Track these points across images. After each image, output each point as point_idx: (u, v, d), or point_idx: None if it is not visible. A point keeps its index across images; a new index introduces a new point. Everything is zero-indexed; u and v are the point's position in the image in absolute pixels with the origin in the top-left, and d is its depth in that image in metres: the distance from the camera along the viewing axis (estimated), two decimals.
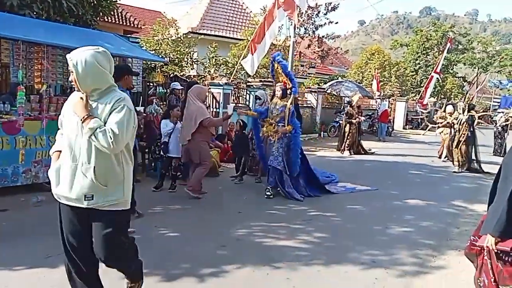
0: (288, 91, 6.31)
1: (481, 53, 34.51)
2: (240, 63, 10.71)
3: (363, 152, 11.87)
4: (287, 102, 6.25)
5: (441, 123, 10.69)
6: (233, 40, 17.30)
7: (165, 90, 7.74)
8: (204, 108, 6.11)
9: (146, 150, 7.30)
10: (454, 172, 9.32)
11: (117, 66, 4.80)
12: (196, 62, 12.56)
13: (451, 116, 10.33)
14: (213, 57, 12.23)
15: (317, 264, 3.76)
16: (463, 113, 9.38)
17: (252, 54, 10.61)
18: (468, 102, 10.68)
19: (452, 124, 10.06)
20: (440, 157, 11.22)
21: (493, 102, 34.18)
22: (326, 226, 4.90)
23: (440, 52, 30.13)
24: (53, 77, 6.07)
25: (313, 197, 6.29)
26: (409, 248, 4.30)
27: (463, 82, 36.43)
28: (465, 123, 9.33)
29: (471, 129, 9.34)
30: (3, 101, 5.73)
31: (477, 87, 38.46)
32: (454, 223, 5.39)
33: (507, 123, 12.76)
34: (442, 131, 10.98)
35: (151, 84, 8.30)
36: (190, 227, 4.62)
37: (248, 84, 12.39)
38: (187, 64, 12.15)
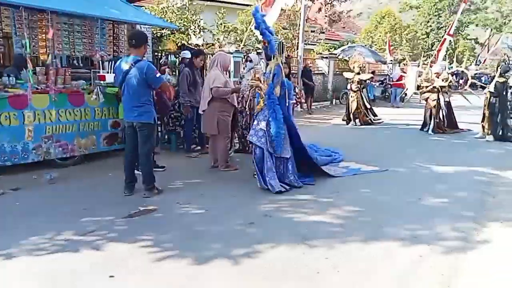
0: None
1: (494, 13, 33.25)
2: (250, 28, 10.21)
3: (370, 122, 10.84)
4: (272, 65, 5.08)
5: (426, 87, 9.66)
6: (241, 6, 16.57)
7: (177, 59, 7.34)
8: (220, 75, 5.72)
9: (159, 123, 6.99)
10: (479, 138, 8.93)
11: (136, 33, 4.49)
12: (203, 30, 12.01)
13: (438, 77, 9.56)
14: (221, 24, 11.67)
15: (354, 241, 3.51)
16: (499, 76, 8.72)
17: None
18: (505, 62, 9.69)
19: (440, 88, 9.40)
20: (423, 128, 9.79)
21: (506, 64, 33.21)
22: (356, 199, 4.62)
23: (453, 13, 29.04)
24: (59, 47, 5.71)
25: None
26: (449, 221, 4.03)
27: (474, 44, 35.39)
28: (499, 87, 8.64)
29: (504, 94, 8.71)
30: (8, 74, 5.40)
31: (488, 50, 37.38)
32: (489, 192, 5.09)
33: None
34: (428, 97, 9.66)
35: (159, 53, 7.86)
36: (214, 203, 4.37)
37: (258, 51, 11.87)
38: (194, 32, 11.62)
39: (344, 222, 3.94)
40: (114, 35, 6.43)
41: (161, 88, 4.70)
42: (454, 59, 11.90)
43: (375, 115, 11.21)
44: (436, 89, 9.45)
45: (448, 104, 9.73)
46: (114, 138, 6.20)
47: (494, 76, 9.61)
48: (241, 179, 5.24)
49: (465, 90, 10.56)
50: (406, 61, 22.08)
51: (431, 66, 20.75)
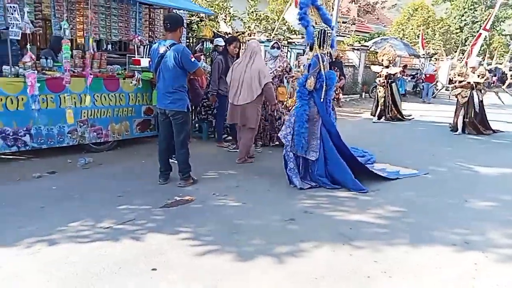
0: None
1: None
2: (283, 17, 9.98)
3: (400, 117, 10.32)
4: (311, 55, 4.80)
5: (459, 82, 8.74)
6: None
7: (212, 47, 7.19)
8: (267, 68, 5.59)
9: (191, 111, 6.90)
10: None
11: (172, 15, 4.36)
12: (233, 18, 11.82)
13: (474, 73, 8.58)
14: (253, 11, 11.45)
15: (402, 244, 3.33)
16: None
17: (296, 7, 9.86)
18: None
19: (475, 85, 8.54)
20: (453, 130, 8.97)
21: None
22: (396, 199, 4.41)
23: (489, 8, 27.94)
24: (95, 31, 5.64)
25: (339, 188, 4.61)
26: (499, 227, 3.79)
27: (509, 40, 34.02)
28: None
29: None
30: (45, 56, 5.37)
31: None
32: None
33: None
34: (459, 93, 8.80)
35: (192, 39, 7.69)
36: (250, 196, 4.24)
37: (289, 41, 11.63)
38: (224, 19, 11.45)
39: (388, 223, 3.76)
40: (150, 19, 6.33)
41: (196, 74, 4.57)
42: (494, 56, 11.32)
43: (401, 113, 10.52)
44: (469, 85, 8.62)
45: (481, 103, 8.84)
46: (147, 125, 6.14)
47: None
48: (275, 173, 5.06)
49: (502, 88, 10.01)
50: (440, 55, 21.45)
51: (466, 63, 19.95)
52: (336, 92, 9.47)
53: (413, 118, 10.91)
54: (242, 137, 5.59)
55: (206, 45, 7.35)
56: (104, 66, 5.70)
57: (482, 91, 8.90)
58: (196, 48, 7.32)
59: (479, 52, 24.75)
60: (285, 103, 6.44)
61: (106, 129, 5.60)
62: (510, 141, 8.37)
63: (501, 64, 22.61)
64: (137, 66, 5.51)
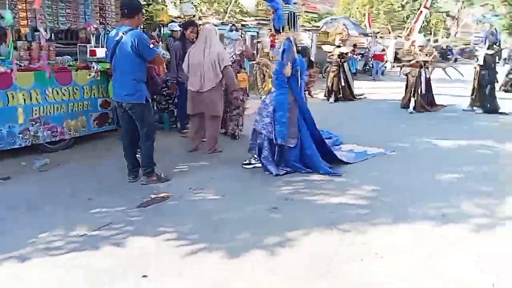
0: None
1: None
2: None
3: (352, 98, 10.48)
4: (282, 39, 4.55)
5: (408, 61, 8.94)
6: None
7: (170, 32, 6.82)
8: (225, 52, 5.37)
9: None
10: (468, 110, 8.95)
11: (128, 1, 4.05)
12: (183, 1, 11.41)
13: (421, 51, 8.74)
14: None
15: (384, 224, 3.38)
16: (488, 49, 8.68)
17: None
18: (492, 34, 9.24)
19: (423, 63, 8.69)
20: (404, 107, 9.09)
21: (474, 36, 33.87)
22: (370, 178, 4.48)
23: None
24: (41, 19, 5.16)
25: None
26: (469, 198, 3.97)
27: (446, 17, 35.83)
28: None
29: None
30: None
31: (457, 22, 38.00)
32: (497, 166, 5.11)
33: None
34: (409, 72, 8.95)
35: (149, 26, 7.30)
36: (228, 187, 4.11)
37: (242, 23, 11.44)
38: (174, 2, 11.01)
39: (367, 203, 3.81)
40: (100, 5, 5.89)
41: (155, 62, 4.25)
42: (433, 32, 11.80)
43: (353, 93, 10.63)
44: (418, 64, 8.73)
45: (428, 81, 9.02)
46: (104, 119, 5.79)
47: (464, 49, 9.74)
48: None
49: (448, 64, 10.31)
50: (385, 33, 22.13)
51: (407, 39, 20.36)
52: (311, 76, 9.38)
53: (365, 97, 11.09)
54: (209, 127, 5.39)
55: (164, 30, 6.99)
56: (53, 57, 5.25)
57: (430, 69, 8.98)
58: (153, 34, 6.94)
59: (420, 29, 25.98)
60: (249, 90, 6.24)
61: (61, 126, 5.19)
62: (455, 114, 8.74)
63: (437, 41, 23.79)
64: (94, 57, 5.12)
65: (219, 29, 9.70)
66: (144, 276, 2.53)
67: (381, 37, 21.80)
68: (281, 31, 4.57)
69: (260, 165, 4.64)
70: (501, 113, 8.68)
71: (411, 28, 22.29)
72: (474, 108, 8.90)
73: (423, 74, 8.79)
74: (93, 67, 5.13)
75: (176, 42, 6.00)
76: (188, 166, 4.82)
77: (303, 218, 3.43)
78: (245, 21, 11.69)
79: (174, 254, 2.83)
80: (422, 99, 8.91)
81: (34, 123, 4.89)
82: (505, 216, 3.60)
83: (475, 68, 8.95)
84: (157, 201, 3.72)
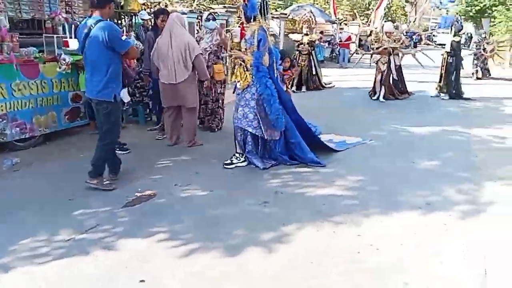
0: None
1: None
2: None
3: (321, 87, 10.33)
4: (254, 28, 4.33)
5: (376, 48, 8.70)
6: None
7: (141, 21, 6.50)
8: (194, 40, 5.20)
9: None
10: (435, 96, 9.22)
11: None
12: None
13: (389, 38, 8.59)
14: None
15: (375, 214, 3.42)
16: (454, 36, 8.93)
17: None
18: (457, 21, 9.46)
19: (392, 50, 8.55)
20: (374, 96, 8.88)
21: (431, 22, 34.97)
22: (355, 167, 4.52)
23: None
24: (1, 7, 4.79)
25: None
26: (450, 184, 4.10)
27: (405, 3, 36.66)
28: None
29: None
30: None
31: (415, 9, 39.03)
32: (470, 151, 5.32)
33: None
34: (378, 59, 8.72)
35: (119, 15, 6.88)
36: (214, 181, 4.03)
37: (211, 11, 11.16)
38: None
39: (355, 193, 3.84)
40: None
41: (129, 55, 3.87)
42: (395, 19, 12.04)
43: (321, 83, 10.47)
44: (387, 51, 8.53)
45: (399, 68, 8.95)
46: (76, 113, 5.50)
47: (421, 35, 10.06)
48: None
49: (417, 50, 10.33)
50: (349, 20, 22.40)
51: (368, 25, 20.37)
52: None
53: (334, 86, 10.93)
54: (186, 119, 5.25)
55: (136, 20, 6.68)
56: (17, 49, 4.89)
57: (400, 55, 8.84)
58: (124, 24, 6.62)
59: (382, 16, 26.52)
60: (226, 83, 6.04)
61: (30, 122, 4.88)
62: (424, 101, 8.92)
63: (397, 28, 24.40)
64: (67, 49, 4.81)
65: (188, 17, 9.49)
66: (141, 281, 2.43)
67: (345, 24, 22.07)
68: (252, 20, 4.33)
69: (242, 164, 4.49)
70: (465, 98, 9.02)
71: (374, 15, 22.80)
72: (441, 94, 9.19)
73: (392, 61, 8.70)
74: (64, 60, 4.82)
75: (148, 32, 5.75)
76: (170, 161, 4.68)
77: (296, 211, 3.41)
78: (213, 8, 11.42)
79: (169, 255, 2.73)
80: (394, 86, 8.93)
81: (1, 120, 4.57)
82: (487, 201, 3.75)
83: (442, 55, 9.22)
84: (143, 199, 3.58)
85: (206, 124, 5.96)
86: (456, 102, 8.78)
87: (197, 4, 10.05)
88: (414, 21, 32.72)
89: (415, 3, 37.99)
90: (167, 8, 9.68)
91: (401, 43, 8.86)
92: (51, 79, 5.07)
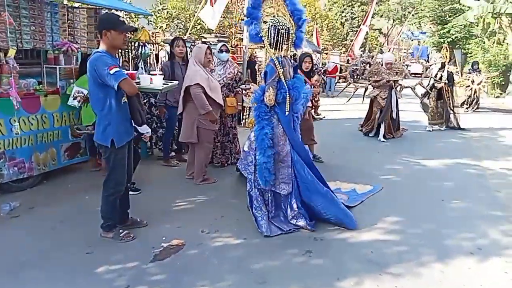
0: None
1: (395, 5, 35.88)
2: (197, 16, 9.37)
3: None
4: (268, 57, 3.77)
5: (375, 81, 7.79)
6: None
7: (150, 52, 6.20)
8: (199, 72, 4.78)
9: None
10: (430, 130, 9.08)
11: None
12: (137, 17, 10.70)
13: (390, 70, 7.69)
14: (162, 9, 10.51)
15: (432, 262, 3.14)
16: (441, 69, 9.05)
17: (212, 5, 9.34)
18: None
19: (393, 84, 7.67)
20: (371, 134, 8.06)
21: (403, 53, 36.32)
22: (384, 206, 4.28)
23: (362, 4, 30.75)
24: (2, 37, 4.39)
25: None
26: (489, 224, 3.91)
27: (379, 34, 38.04)
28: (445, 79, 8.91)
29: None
30: None
31: (388, 40, 40.55)
32: (490, 186, 5.18)
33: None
34: (378, 94, 7.80)
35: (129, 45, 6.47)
36: (245, 227, 3.63)
37: (203, 40, 11.00)
38: (128, 19, 10.28)
39: (399, 238, 3.57)
40: (69, 21, 5.18)
41: (123, 88, 3.08)
42: (368, 49, 12.18)
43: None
44: (388, 84, 7.66)
45: (397, 103, 7.94)
46: (76, 149, 5.08)
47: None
48: (245, 192, 4.50)
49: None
50: (327, 50, 22.80)
51: (349, 56, 20.42)
52: (315, 99, 8.40)
53: (324, 117, 10.50)
54: (195, 155, 4.95)
55: (144, 50, 6.36)
56: (16, 81, 4.47)
57: (399, 89, 8.01)
58: (132, 54, 6.28)
59: (360, 46, 27.23)
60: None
61: (29, 161, 4.42)
62: (423, 133, 8.88)
63: (373, 57, 25.11)
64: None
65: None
66: None
67: (325, 54, 22.46)
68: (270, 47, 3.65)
69: None
70: (463, 129, 9.07)
71: (352, 45, 23.37)
72: (439, 125, 9.15)
73: (393, 96, 7.76)
74: (82, 93, 4.42)
75: (166, 62, 5.46)
76: (187, 202, 4.29)
77: (345, 262, 3.10)
78: (205, 37, 11.27)
79: None
80: (392, 124, 7.97)
81: None
82: None
83: (435, 86, 9.10)
84: (172, 251, 3.18)
85: (216, 160, 5.62)
86: (455, 133, 8.80)
87: (189, 33, 9.82)
88: (388, 51, 33.86)
89: (389, 34, 39.61)
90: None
91: (404, 76, 7.83)
92: (52, 113, 4.67)
